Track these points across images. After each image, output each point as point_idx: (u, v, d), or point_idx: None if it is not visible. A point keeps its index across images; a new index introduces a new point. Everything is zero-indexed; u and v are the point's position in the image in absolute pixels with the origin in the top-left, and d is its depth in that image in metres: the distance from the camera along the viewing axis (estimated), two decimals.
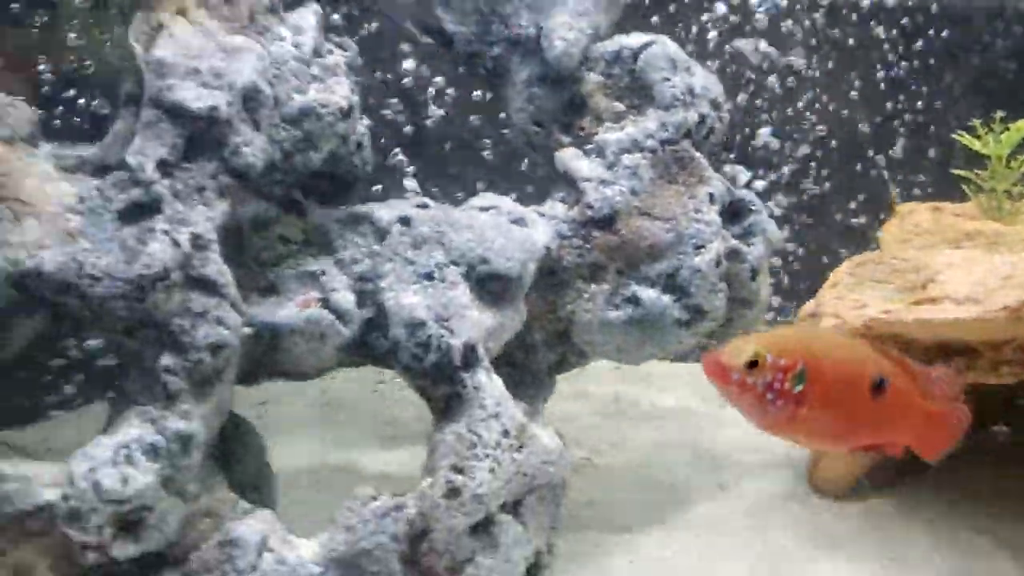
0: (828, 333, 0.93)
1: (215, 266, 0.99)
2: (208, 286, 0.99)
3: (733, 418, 1.48)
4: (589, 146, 1.16)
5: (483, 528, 1.07)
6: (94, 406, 1.45)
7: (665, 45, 1.16)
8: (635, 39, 1.16)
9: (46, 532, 0.98)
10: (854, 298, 1.19)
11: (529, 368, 1.16)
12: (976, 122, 1.33)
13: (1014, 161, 1.29)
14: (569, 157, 1.13)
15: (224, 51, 1.01)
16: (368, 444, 1.43)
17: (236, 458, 1.12)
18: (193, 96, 0.98)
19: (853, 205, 1.63)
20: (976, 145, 1.30)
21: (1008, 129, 1.28)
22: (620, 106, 1.17)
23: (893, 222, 1.35)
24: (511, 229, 1.09)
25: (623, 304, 1.13)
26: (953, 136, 1.32)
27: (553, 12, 1.15)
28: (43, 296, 0.99)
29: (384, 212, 1.11)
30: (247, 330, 1.02)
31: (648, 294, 1.13)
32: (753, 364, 0.81)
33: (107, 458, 0.96)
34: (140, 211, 0.98)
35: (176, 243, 0.97)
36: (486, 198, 1.13)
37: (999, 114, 1.31)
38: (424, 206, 1.11)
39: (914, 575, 1.17)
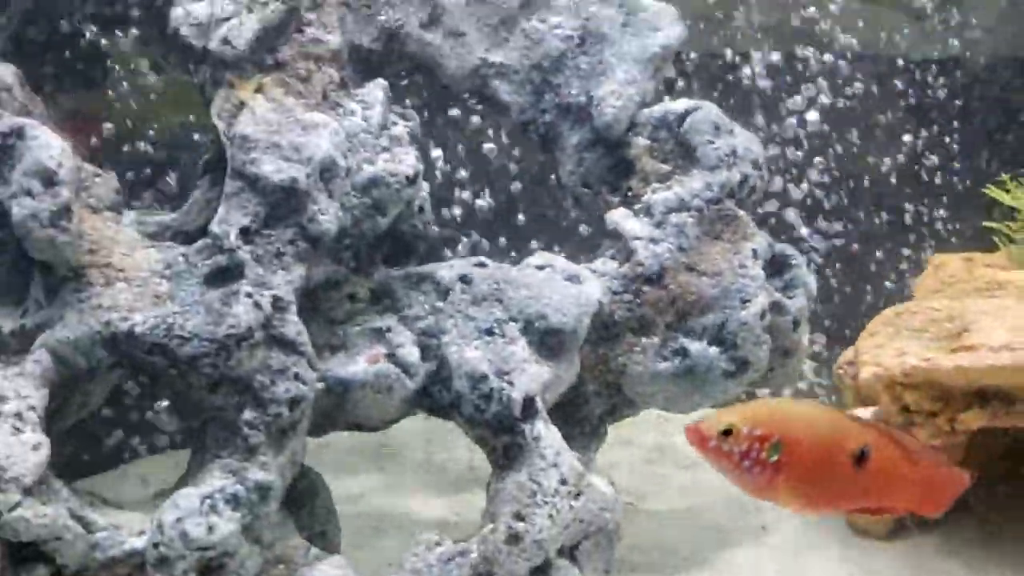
0: (809, 405, 0.96)
1: (293, 326, 1.06)
2: (287, 344, 1.05)
3: None
4: (638, 206, 1.21)
5: (542, 572, 1.11)
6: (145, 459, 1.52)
7: (709, 110, 1.24)
8: (680, 104, 1.25)
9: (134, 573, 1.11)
10: (894, 347, 1.25)
11: (583, 417, 1.21)
12: (1005, 176, 1.39)
13: None
14: (619, 216, 1.19)
15: (302, 126, 1.08)
16: (421, 491, 1.48)
17: (305, 505, 1.19)
18: (274, 169, 1.05)
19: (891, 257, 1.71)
20: (1005, 198, 1.36)
21: None
22: (666, 167, 1.24)
23: (927, 273, 1.41)
24: (566, 286, 1.15)
25: (672, 356, 1.19)
26: (983, 189, 1.38)
27: (602, 81, 1.23)
28: (132, 356, 1.06)
29: (445, 271, 1.19)
30: (320, 385, 1.08)
31: (696, 347, 1.19)
32: (728, 433, 0.85)
33: (194, 508, 1.01)
34: (224, 275, 1.06)
35: (258, 305, 1.04)
36: (542, 256, 1.19)
37: None
38: (482, 265, 1.19)
39: None
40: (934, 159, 1.77)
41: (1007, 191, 1.39)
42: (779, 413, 0.90)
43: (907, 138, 1.77)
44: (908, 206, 1.76)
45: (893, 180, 1.78)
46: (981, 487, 1.27)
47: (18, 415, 0.98)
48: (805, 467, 0.85)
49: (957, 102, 1.83)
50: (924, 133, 1.78)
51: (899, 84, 1.81)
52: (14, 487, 0.95)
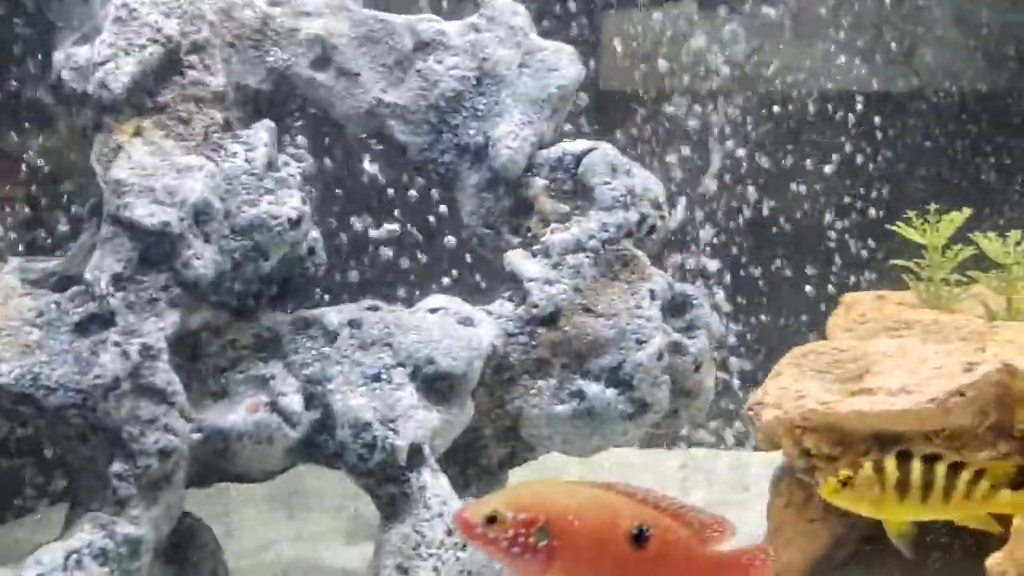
0: (583, 486, 0.89)
1: (164, 375, 1.02)
2: (157, 394, 1.01)
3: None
4: (536, 247, 1.17)
5: None
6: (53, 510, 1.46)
7: (605, 150, 1.20)
8: (576, 145, 1.21)
9: None
10: (796, 388, 1.20)
11: (480, 463, 1.18)
12: (911, 213, 1.36)
13: (949, 251, 1.29)
14: (516, 258, 1.16)
15: (177, 169, 1.05)
16: (332, 538, 1.43)
17: (190, 559, 1.14)
18: (146, 213, 1.02)
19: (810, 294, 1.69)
20: (913, 235, 1.32)
21: (941, 220, 1.31)
22: (564, 208, 1.20)
23: (839, 311, 1.35)
24: (458, 329, 1.11)
25: (569, 398, 1.15)
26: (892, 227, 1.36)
27: (499, 122, 1.20)
28: (1, 406, 1.01)
29: (334, 316, 1.15)
30: (196, 435, 1.01)
31: (593, 388, 1.16)
32: (492, 519, 0.81)
33: (58, 564, 0.97)
34: (94, 323, 1.02)
35: (126, 354, 1.00)
36: (437, 299, 1.15)
37: (933, 206, 1.34)
38: (375, 308, 1.13)
39: None
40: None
41: (913, 228, 1.36)
42: (546, 495, 0.85)
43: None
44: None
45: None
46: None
47: None
48: (579, 550, 0.81)
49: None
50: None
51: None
52: None
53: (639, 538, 0.82)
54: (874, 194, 1.72)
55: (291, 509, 1.42)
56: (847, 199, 1.71)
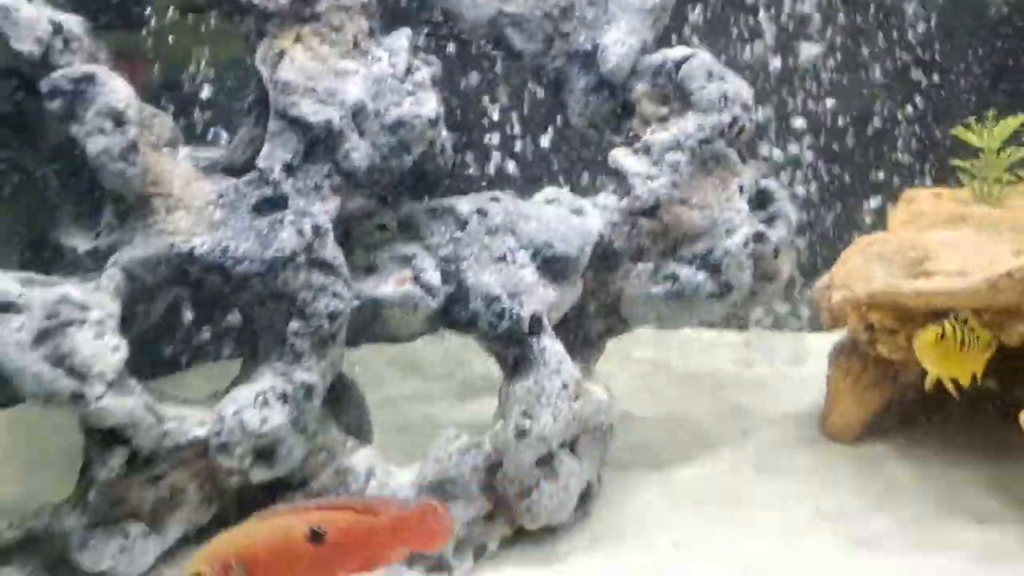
0: (272, 515, 0.98)
1: (331, 251, 1.18)
2: (326, 266, 1.17)
3: (758, 379, 1.68)
4: (637, 145, 1.32)
5: (546, 462, 1.26)
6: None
7: (703, 58, 1.36)
8: (677, 52, 1.38)
9: (197, 461, 1.18)
10: (862, 272, 1.34)
11: (584, 334, 1.34)
12: (972, 119, 1.46)
13: (1003, 153, 1.41)
14: (620, 155, 1.31)
15: (335, 73, 1.18)
16: (443, 398, 1.62)
17: (343, 407, 1.32)
18: (312, 111, 1.16)
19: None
20: (971, 139, 1.42)
21: (997, 125, 1.41)
22: (664, 110, 1.36)
23: (899, 206, 1.49)
24: (571, 218, 1.28)
25: (663, 280, 1.34)
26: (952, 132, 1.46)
27: (607, 30, 1.33)
28: (192, 274, 1.17)
29: (464, 205, 1.30)
30: (355, 303, 1.19)
31: (685, 272, 1.32)
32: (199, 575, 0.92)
33: (249, 402, 1.15)
34: (269, 205, 1.16)
35: (301, 232, 1.15)
36: (551, 192, 1.30)
37: (991, 112, 1.44)
38: (497, 199, 1.31)
39: (902, 499, 1.32)
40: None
41: (972, 133, 1.47)
42: (230, 539, 0.94)
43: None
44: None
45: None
46: (933, 401, 1.39)
47: (100, 322, 1.09)
48: (273, 566, 0.91)
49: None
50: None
51: None
52: (99, 382, 1.07)
53: (316, 536, 0.92)
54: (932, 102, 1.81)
55: (406, 374, 1.62)
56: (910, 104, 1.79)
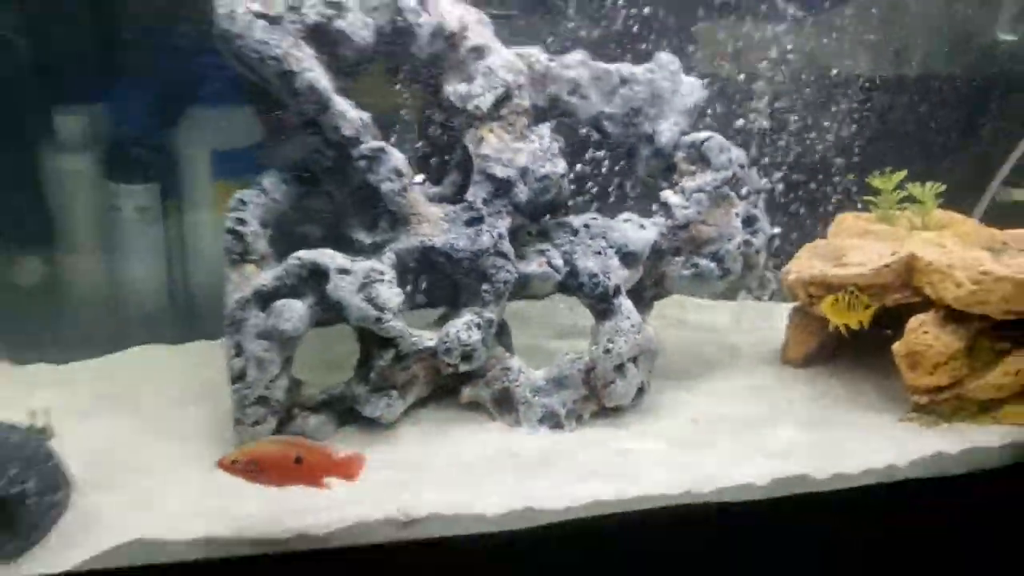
0: (274, 444, 1.40)
1: (506, 247, 1.69)
2: (503, 255, 1.70)
3: (743, 329, 2.14)
4: (676, 189, 1.82)
5: (619, 368, 1.71)
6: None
7: (718, 138, 1.81)
8: (702, 135, 1.83)
9: (428, 359, 1.68)
10: (808, 263, 1.85)
11: (642, 297, 1.85)
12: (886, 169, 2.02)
13: (895, 192, 1.97)
14: (667, 195, 1.81)
15: (511, 149, 1.71)
16: (544, 338, 2.10)
17: (502, 335, 1.81)
18: (500, 171, 1.69)
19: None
20: (876, 183, 1.94)
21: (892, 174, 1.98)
22: (693, 168, 1.83)
23: (834, 225, 2.00)
24: (639, 230, 1.78)
25: (689, 267, 1.82)
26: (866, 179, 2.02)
27: (661, 121, 1.82)
28: (431, 259, 1.70)
29: (576, 221, 1.78)
30: (516, 275, 1.73)
31: (702, 263, 1.81)
32: (234, 462, 1.31)
33: (462, 325, 1.66)
34: (475, 221, 1.70)
35: (491, 236, 1.69)
36: (626, 215, 1.82)
37: (888, 168, 1.99)
38: (595, 218, 1.80)
39: (824, 394, 1.85)
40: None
41: (877, 180, 1.95)
42: (257, 446, 1.35)
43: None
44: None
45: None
46: (849, 342, 1.86)
47: (390, 281, 1.60)
48: (271, 470, 1.33)
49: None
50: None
51: None
52: (389, 312, 1.60)
53: (298, 460, 1.33)
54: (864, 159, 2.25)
55: (518, 324, 1.99)
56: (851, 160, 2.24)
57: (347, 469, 1.36)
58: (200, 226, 2.03)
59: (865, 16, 2.00)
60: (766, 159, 2.08)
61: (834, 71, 2.03)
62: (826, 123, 2.10)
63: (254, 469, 1.33)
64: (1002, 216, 2.02)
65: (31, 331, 1.81)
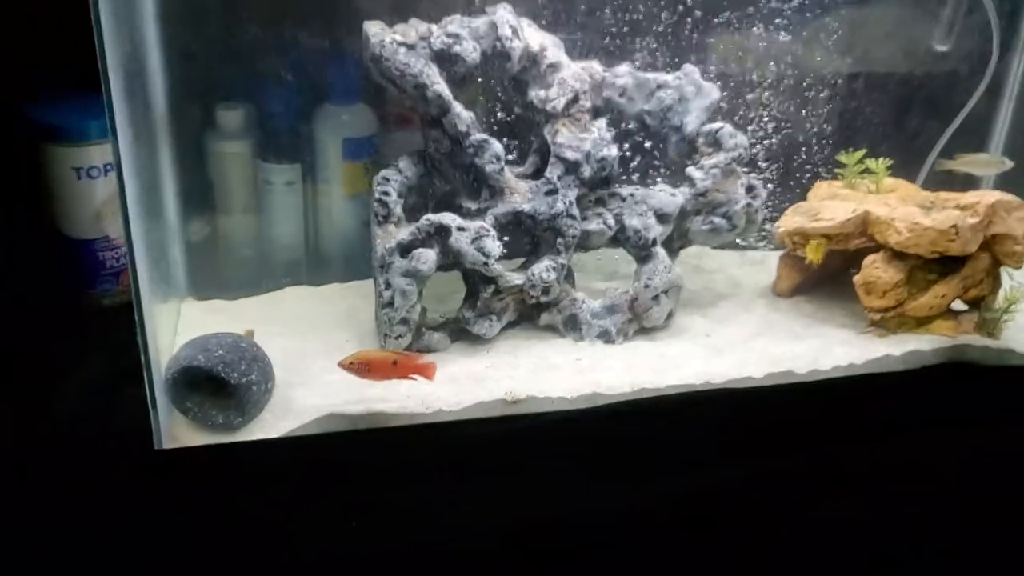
0: (376, 352, 1.82)
1: (575, 210, 2.03)
2: (572, 217, 2.04)
3: (744, 270, 2.46)
4: (698, 165, 2.14)
5: (655, 298, 2.09)
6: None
7: (728, 128, 2.12)
8: (716, 125, 2.14)
9: (517, 293, 2.08)
10: (792, 219, 2.18)
11: (671, 246, 2.17)
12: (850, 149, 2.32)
13: (857, 164, 2.27)
14: (690, 170, 2.10)
15: (578, 139, 2.05)
16: (596, 280, 2.45)
17: (569, 275, 2.19)
18: (570, 155, 2.03)
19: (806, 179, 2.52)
20: (842, 157, 2.27)
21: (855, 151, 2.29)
22: (710, 150, 2.12)
23: (812, 189, 2.32)
24: (671, 197, 2.12)
25: (707, 223, 2.16)
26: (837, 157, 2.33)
27: (686, 115, 2.13)
28: (521, 220, 2.07)
29: (624, 190, 2.09)
30: (580, 230, 2.16)
31: (716, 220, 2.15)
32: (351, 364, 1.71)
33: (543, 267, 2.04)
34: (551, 193, 2.03)
35: (564, 202, 2.03)
36: (661, 185, 2.18)
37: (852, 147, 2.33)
38: (638, 188, 2.12)
39: (812, 317, 2.25)
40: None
41: (844, 156, 2.26)
42: (364, 352, 1.73)
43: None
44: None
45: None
46: (827, 279, 2.32)
47: (493, 236, 1.97)
48: (375, 368, 1.73)
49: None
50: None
51: None
52: (493, 259, 1.98)
53: (394, 363, 1.74)
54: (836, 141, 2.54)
55: (577, 271, 2.32)
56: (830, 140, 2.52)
57: (427, 371, 1.78)
58: (331, 196, 2.53)
59: (832, 29, 2.31)
60: (762, 142, 2.43)
61: (811, 73, 2.33)
62: (805, 114, 2.43)
63: (364, 368, 1.72)
64: (937, 182, 2.40)
65: (208, 274, 2.23)
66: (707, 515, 1.59)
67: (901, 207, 2.09)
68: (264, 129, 2.23)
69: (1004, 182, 2.38)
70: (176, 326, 2.00)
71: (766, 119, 2.36)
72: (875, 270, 2.10)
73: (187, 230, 2.45)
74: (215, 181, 2.47)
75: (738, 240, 2.40)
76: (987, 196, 2.05)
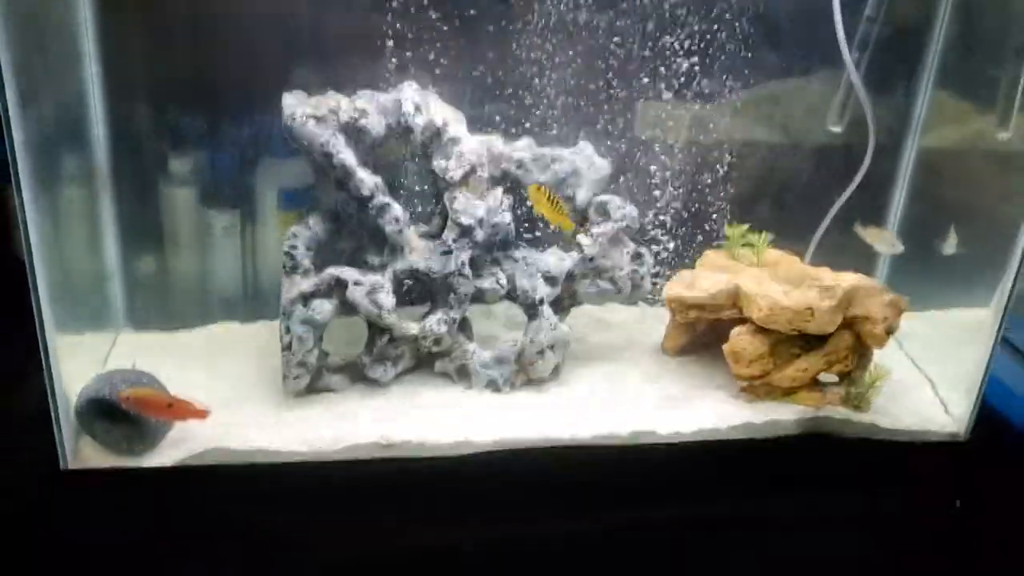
0: (161, 392, 1.87)
1: (467, 270, 2.13)
2: (465, 276, 2.15)
3: (636, 328, 2.57)
4: (588, 233, 2.24)
5: (541, 353, 2.20)
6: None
7: (615, 199, 2.24)
8: (605, 197, 2.25)
9: (412, 342, 2.32)
10: (673, 287, 2.31)
11: (561, 305, 2.27)
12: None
13: (741, 239, 2.38)
14: (580, 238, 2.20)
15: (474, 204, 2.14)
16: (498, 330, 2.52)
17: (464, 327, 2.36)
18: (465, 220, 2.13)
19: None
20: (728, 232, 2.40)
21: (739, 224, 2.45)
22: (599, 219, 2.22)
23: (701, 259, 2.41)
24: (559, 261, 2.22)
25: (593, 287, 2.29)
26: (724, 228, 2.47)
27: (579, 189, 2.25)
28: (417, 277, 2.19)
29: (517, 253, 2.19)
30: (473, 288, 2.23)
31: (602, 284, 2.27)
32: (127, 398, 1.75)
33: (435, 320, 2.21)
34: (447, 253, 2.15)
35: (458, 262, 2.15)
36: (552, 249, 2.29)
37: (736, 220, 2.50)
38: (530, 253, 2.25)
39: (692, 378, 2.37)
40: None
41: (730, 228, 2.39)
42: (145, 391, 1.78)
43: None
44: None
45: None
46: (712, 341, 2.42)
47: (388, 290, 2.09)
48: (149, 404, 1.80)
49: None
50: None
51: None
52: (386, 311, 2.10)
53: (169, 406, 1.80)
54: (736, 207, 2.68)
55: (485, 318, 2.49)
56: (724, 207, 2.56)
57: (199, 415, 1.83)
58: (266, 242, 2.80)
59: (747, 105, 2.49)
60: (670, 205, 2.62)
61: (724, 143, 2.48)
62: (711, 180, 2.59)
63: (139, 405, 1.76)
64: (833, 247, 2.49)
65: (148, 308, 2.44)
66: (514, 562, 1.73)
67: (767, 284, 2.17)
68: (208, 177, 2.64)
69: (909, 225, 2.49)
70: (108, 354, 2.20)
71: (678, 185, 2.46)
72: (741, 340, 2.20)
73: (129, 267, 2.69)
74: (163, 223, 2.71)
75: (646, 300, 2.50)
76: (846, 279, 2.12)
